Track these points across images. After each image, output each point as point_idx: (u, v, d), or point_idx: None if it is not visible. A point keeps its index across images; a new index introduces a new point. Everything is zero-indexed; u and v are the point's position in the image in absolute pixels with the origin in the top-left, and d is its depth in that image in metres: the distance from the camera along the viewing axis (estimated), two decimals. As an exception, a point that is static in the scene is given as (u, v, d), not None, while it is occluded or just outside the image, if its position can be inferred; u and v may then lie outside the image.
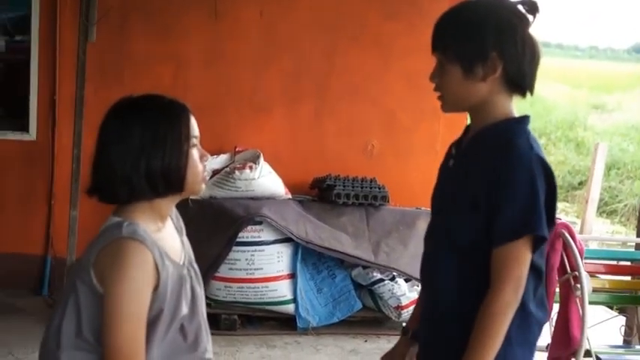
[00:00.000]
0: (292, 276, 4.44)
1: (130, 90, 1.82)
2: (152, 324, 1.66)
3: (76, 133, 4.50)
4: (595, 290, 3.59)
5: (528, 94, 1.79)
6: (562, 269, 3.43)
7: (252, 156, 4.65)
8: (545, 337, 3.49)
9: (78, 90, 4.53)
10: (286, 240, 4.41)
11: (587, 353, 3.40)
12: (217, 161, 4.63)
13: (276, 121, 4.98)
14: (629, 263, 4.02)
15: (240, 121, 4.92)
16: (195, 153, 1.74)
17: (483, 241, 1.69)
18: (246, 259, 4.34)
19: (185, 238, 1.87)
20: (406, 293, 4.41)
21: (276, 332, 4.42)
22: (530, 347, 1.80)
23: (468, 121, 1.89)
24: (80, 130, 4.49)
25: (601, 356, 3.44)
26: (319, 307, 4.51)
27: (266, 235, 4.37)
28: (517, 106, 1.81)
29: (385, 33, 4.94)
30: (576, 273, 3.36)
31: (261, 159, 4.59)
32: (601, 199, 8.30)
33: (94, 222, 2.01)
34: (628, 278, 4.05)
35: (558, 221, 3.47)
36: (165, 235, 1.76)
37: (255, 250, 4.35)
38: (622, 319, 4.35)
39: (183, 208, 1.91)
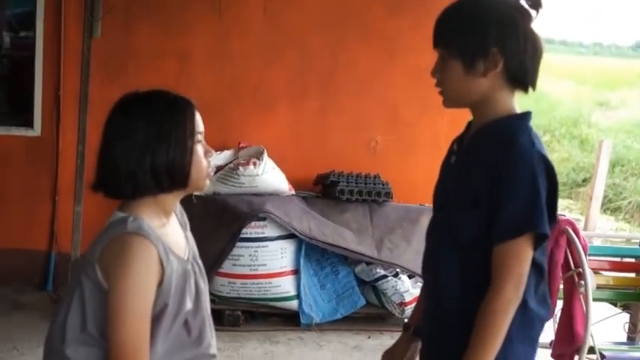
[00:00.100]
0: (296, 272, 4.44)
1: (135, 86, 1.82)
2: (156, 319, 1.66)
3: (81, 129, 4.51)
4: (599, 287, 3.58)
5: (531, 90, 1.78)
6: (566, 266, 3.43)
7: (255, 152, 4.66)
8: (549, 333, 3.51)
9: (82, 86, 4.54)
10: (290, 236, 4.41)
11: (591, 350, 3.40)
12: (221, 157, 4.64)
13: (279, 117, 4.98)
14: (633, 260, 4.01)
15: (244, 117, 4.93)
16: (199, 149, 1.74)
17: (485, 238, 1.69)
18: (250, 255, 4.35)
19: (189, 234, 1.88)
20: (409, 289, 4.41)
21: (279, 328, 4.43)
22: (532, 344, 1.80)
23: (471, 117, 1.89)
24: (84, 126, 4.50)
25: (605, 353, 3.44)
26: (322, 303, 4.52)
27: (270, 231, 4.37)
28: (521, 103, 1.81)
29: (390, 29, 4.94)
30: (580, 270, 3.36)
31: (265, 155, 4.59)
32: (605, 196, 8.28)
33: (98, 217, 2.02)
34: (632, 275, 4.05)
35: (562, 218, 3.47)
36: (170, 230, 1.76)
37: (259, 246, 4.36)
38: (626, 316, 4.35)
39: (187, 203, 1.91)
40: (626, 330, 4.13)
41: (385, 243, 4.55)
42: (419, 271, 2.08)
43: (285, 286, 4.41)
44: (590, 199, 6.67)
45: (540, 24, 1.76)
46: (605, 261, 3.84)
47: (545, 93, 14.79)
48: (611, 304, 4.77)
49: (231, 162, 4.65)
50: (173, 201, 1.78)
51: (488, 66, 1.71)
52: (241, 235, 4.32)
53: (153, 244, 1.64)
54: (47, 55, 4.71)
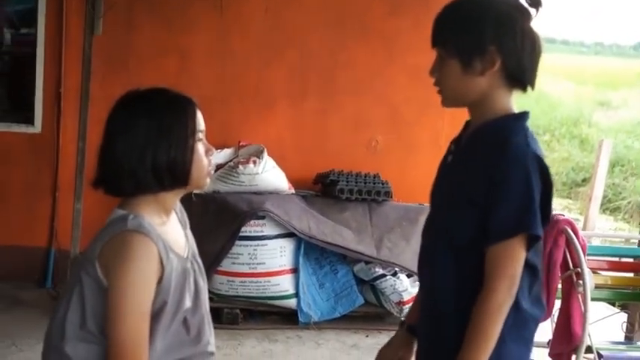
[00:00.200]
0: (295, 271, 4.45)
1: (136, 83, 1.83)
2: (156, 317, 1.67)
3: (81, 126, 4.51)
4: (597, 287, 3.58)
5: (530, 89, 1.77)
6: (564, 265, 3.43)
7: (255, 150, 4.66)
8: (546, 333, 3.51)
9: (83, 83, 4.54)
10: (289, 235, 4.42)
11: (589, 349, 3.40)
12: (221, 156, 4.64)
13: (280, 115, 4.98)
14: (631, 260, 4.02)
15: (245, 115, 4.93)
16: (200, 147, 1.75)
17: (481, 239, 1.69)
18: (249, 254, 4.35)
19: (189, 232, 1.88)
20: (408, 289, 4.41)
21: (278, 327, 4.44)
22: (527, 344, 1.80)
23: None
24: (85, 123, 4.50)
25: (602, 352, 3.44)
26: (321, 301, 4.53)
27: (269, 229, 4.38)
28: (522, 103, 1.80)
29: (389, 28, 4.94)
30: (579, 269, 3.36)
31: (265, 154, 4.60)
32: (605, 196, 8.28)
33: (98, 215, 2.02)
34: (630, 275, 4.06)
35: (562, 218, 3.48)
36: (170, 228, 1.77)
37: (258, 245, 4.36)
38: (624, 316, 4.35)
39: (186, 202, 1.92)
40: (624, 329, 4.14)
41: (384, 242, 4.56)
42: (418, 270, 2.08)
43: (284, 284, 4.41)
44: (590, 198, 6.67)
45: (541, 23, 1.75)
46: (604, 261, 3.84)
47: (545, 93, 14.79)
48: (609, 303, 4.78)
49: (231, 160, 4.65)
50: (173, 199, 1.79)
51: (485, 65, 1.70)
52: (241, 234, 4.32)
53: (153, 242, 1.65)
54: (48, 51, 4.72)
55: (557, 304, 3.51)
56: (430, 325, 1.85)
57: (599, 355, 3.43)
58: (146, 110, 1.72)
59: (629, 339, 4.14)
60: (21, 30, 4.91)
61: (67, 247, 4.61)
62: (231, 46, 4.88)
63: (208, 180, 1.80)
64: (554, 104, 15.18)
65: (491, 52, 1.70)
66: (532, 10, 1.74)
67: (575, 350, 3.37)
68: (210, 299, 1.97)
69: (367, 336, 4.42)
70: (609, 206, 9.95)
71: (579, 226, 4.69)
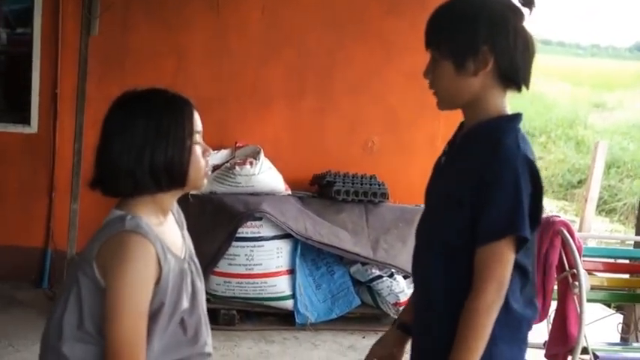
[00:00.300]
0: (291, 272, 4.45)
1: (132, 83, 1.82)
2: (153, 317, 1.67)
3: (78, 127, 4.51)
4: (593, 288, 3.60)
5: (525, 89, 1.76)
6: (560, 267, 3.44)
7: (252, 151, 4.66)
8: (542, 334, 3.52)
9: (80, 83, 4.55)
10: (286, 236, 4.42)
11: (585, 350, 3.41)
12: (218, 156, 4.64)
13: (276, 116, 4.98)
14: (627, 261, 4.03)
15: (241, 115, 4.93)
16: (198, 148, 1.75)
17: (473, 240, 1.69)
18: (246, 255, 4.35)
19: (186, 233, 1.88)
20: (404, 290, 4.42)
21: (274, 328, 4.44)
22: (520, 345, 1.80)
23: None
24: (81, 124, 4.50)
25: (598, 354, 3.45)
26: (318, 303, 4.53)
27: (265, 230, 4.38)
28: (518, 104, 1.80)
29: (387, 29, 4.94)
30: (574, 271, 3.37)
31: (262, 155, 4.60)
32: (600, 198, 8.31)
33: (95, 215, 2.02)
34: (626, 276, 4.06)
35: (557, 219, 3.49)
36: (167, 229, 1.77)
37: (255, 246, 4.36)
38: (619, 317, 4.37)
39: (183, 202, 1.92)
40: (620, 331, 4.15)
41: (381, 243, 4.56)
42: (415, 271, 2.08)
43: (281, 285, 4.41)
44: (586, 200, 6.69)
45: (537, 25, 1.75)
46: (600, 262, 3.85)
47: (541, 94, 14.82)
48: (605, 304, 4.79)
49: (227, 161, 4.65)
50: (171, 200, 1.79)
51: (478, 65, 1.70)
52: (237, 235, 4.32)
53: (151, 243, 1.65)
54: (44, 52, 4.71)
55: (553, 305, 3.51)
56: (424, 325, 1.85)
57: (595, 356, 3.44)
58: (143, 111, 1.71)
59: (624, 340, 4.15)
60: (17, 30, 4.91)
61: (63, 248, 4.61)
62: (227, 46, 4.88)
63: (205, 181, 1.80)
64: (549, 106, 15.21)
65: (484, 51, 1.69)
66: (525, 10, 1.74)
67: (571, 351, 3.38)
68: (207, 300, 1.97)
69: (364, 337, 4.42)
70: (605, 208, 9.97)
71: (575, 227, 4.70)
